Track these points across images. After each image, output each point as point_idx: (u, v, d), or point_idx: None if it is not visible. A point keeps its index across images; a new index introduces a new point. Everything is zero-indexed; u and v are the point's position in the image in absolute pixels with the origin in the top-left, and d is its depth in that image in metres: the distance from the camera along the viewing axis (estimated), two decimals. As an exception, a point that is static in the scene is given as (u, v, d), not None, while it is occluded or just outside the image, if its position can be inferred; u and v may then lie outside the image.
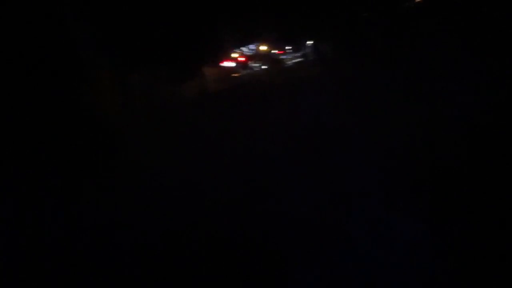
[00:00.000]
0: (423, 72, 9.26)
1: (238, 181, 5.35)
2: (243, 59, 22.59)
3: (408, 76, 9.25)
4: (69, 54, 7.70)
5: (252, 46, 22.95)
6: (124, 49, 11.55)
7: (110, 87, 9.94)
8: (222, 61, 20.65)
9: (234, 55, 21.92)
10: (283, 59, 23.11)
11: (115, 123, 8.73)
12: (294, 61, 22.51)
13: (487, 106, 5.53)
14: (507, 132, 4.80)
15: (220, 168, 6.05)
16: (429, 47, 11.83)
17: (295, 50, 23.33)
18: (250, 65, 22.99)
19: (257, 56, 23.32)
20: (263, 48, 23.03)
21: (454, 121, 5.62)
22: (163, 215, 4.55)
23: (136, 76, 12.83)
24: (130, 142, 7.95)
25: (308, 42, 21.37)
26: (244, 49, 22.71)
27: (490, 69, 6.47)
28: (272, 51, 23.80)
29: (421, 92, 7.62)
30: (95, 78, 9.16)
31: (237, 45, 22.00)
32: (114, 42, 11.18)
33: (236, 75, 21.60)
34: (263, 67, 22.70)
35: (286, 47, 23.81)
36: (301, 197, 4.65)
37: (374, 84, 9.39)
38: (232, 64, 20.59)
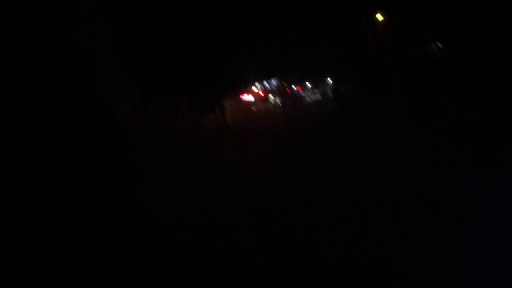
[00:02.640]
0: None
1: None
2: (262, 93, 23.00)
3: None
4: (89, 80, 7.87)
5: (272, 81, 23.36)
6: (147, 78, 11.90)
7: (133, 114, 10.17)
8: (241, 94, 21.05)
9: (254, 89, 22.34)
10: (302, 95, 23.43)
11: (137, 150, 8.88)
12: (312, 98, 22.78)
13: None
14: None
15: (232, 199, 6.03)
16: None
17: (315, 87, 23.62)
18: (269, 99, 23.36)
19: (277, 91, 23.71)
20: (283, 83, 23.43)
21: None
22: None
23: (159, 105, 13.16)
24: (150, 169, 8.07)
25: (328, 80, 21.55)
26: (265, 83, 23.14)
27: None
28: (292, 87, 24.14)
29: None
30: (117, 105, 9.29)
31: (257, 80, 22.41)
32: (138, 70, 11.53)
33: (254, 108, 21.96)
34: (282, 102, 23.04)
35: (307, 84, 24.13)
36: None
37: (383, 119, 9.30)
38: (251, 97, 20.95)
